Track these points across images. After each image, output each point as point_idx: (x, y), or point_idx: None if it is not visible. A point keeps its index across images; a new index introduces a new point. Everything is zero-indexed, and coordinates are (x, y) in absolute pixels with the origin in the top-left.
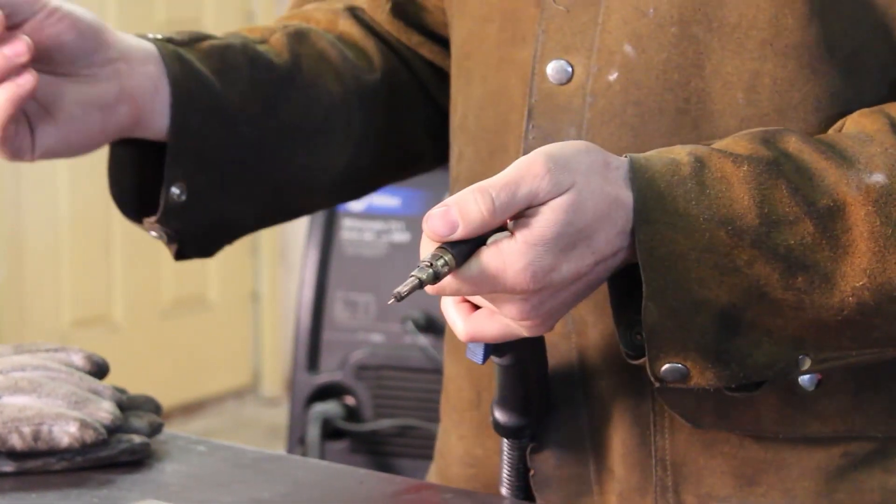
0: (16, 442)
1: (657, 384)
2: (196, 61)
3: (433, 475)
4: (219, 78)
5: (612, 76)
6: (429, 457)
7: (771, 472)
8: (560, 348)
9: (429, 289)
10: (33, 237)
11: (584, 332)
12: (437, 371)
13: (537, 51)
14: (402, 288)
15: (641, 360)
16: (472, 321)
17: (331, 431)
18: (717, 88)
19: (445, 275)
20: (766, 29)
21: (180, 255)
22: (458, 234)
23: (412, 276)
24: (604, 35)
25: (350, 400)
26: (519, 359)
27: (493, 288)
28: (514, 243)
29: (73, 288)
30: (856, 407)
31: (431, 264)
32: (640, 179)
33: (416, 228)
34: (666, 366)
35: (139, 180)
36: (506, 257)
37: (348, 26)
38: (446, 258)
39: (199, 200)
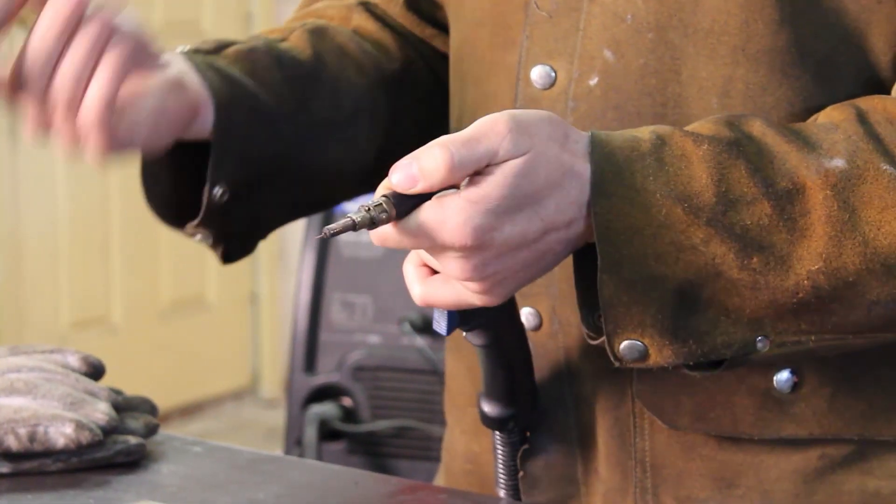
0: (12, 443)
1: (617, 363)
2: (227, 67)
3: (441, 472)
4: (252, 79)
5: (593, 81)
6: (426, 458)
7: (749, 475)
8: (548, 348)
9: (373, 238)
10: (32, 239)
11: (569, 332)
12: (434, 372)
13: (522, 56)
14: (334, 225)
15: (601, 340)
16: (426, 284)
17: (328, 432)
18: (692, 93)
19: (382, 222)
20: (738, 35)
21: (228, 259)
22: (419, 188)
23: (348, 216)
24: (585, 41)
25: (347, 401)
26: (494, 339)
27: (432, 242)
28: (456, 199)
29: (72, 289)
30: (832, 410)
31: (369, 209)
32: (598, 153)
33: None
34: (624, 343)
35: (173, 186)
36: (446, 211)
37: (363, 20)
38: (387, 207)
39: (240, 198)
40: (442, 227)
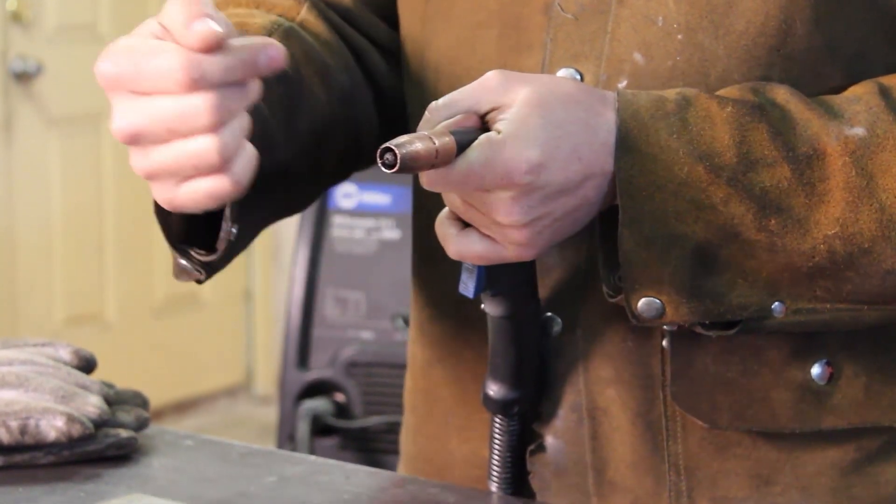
0: (3, 436)
1: (634, 321)
2: None
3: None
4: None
5: (622, 84)
6: None
7: (786, 471)
8: (565, 355)
9: (423, 180)
10: (26, 235)
11: (592, 339)
12: None
13: (546, 59)
14: (405, 140)
15: (620, 298)
16: (461, 237)
17: (321, 428)
18: None
19: (445, 145)
20: (775, 35)
21: (200, 281)
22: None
23: (415, 138)
24: (613, 43)
25: (340, 397)
26: (513, 311)
27: (481, 182)
28: (500, 137)
29: (66, 286)
30: (868, 399)
31: (431, 137)
32: (625, 110)
33: (406, 226)
34: (642, 300)
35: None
36: (493, 146)
37: (311, 17)
38: (447, 138)
39: (243, 236)
40: (494, 163)
